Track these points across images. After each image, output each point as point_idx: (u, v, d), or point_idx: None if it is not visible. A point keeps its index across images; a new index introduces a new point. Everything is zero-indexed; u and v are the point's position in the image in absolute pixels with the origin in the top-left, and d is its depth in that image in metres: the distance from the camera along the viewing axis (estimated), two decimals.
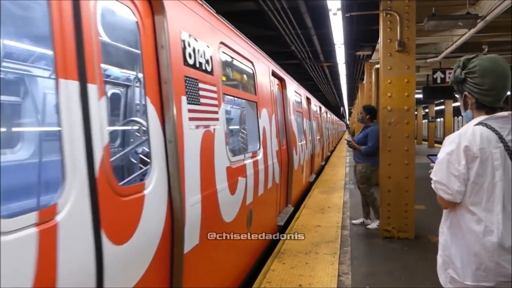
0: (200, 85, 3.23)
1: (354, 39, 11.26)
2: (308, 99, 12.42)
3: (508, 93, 2.23)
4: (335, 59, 13.80)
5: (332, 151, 25.94)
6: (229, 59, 4.40)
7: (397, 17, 6.24)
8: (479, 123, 2.16)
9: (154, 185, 2.51)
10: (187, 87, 2.98)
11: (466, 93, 2.27)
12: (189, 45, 3.07)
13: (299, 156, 8.94)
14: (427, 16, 7.23)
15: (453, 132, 2.42)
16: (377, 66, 11.13)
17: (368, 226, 7.07)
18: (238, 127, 7.59)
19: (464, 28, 8.21)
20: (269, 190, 5.64)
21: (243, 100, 5.88)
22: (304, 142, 10.18)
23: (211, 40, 3.63)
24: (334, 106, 49.95)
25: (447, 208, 2.28)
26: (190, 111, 2.99)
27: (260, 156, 5.15)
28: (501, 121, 2.14)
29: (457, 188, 2.12)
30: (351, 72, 18.47)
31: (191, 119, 3.00)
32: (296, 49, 13.04)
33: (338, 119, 44.22)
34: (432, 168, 2.33)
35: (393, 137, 6.30)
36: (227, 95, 4.27)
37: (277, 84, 7.47)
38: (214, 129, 3.48)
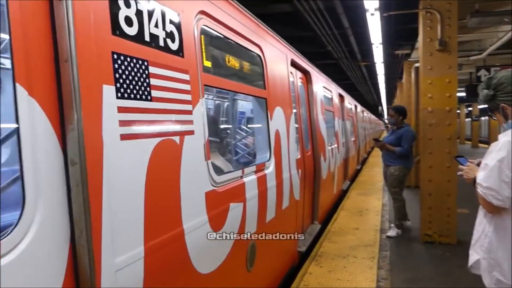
0: (153, 69, 2.08)
1: (393, 38, 11.17)
2: (341, 96, 11.15)
3: None
4: (373, 58, 13.85)
5: (369, 152, 24.51)
6: (219, 38, 3.19)
7: (438, 15, 6.06)
8: None
9: (32, 242, 1.38)
10: (118, 72, 1.83)
11: (503, 104, 2.41)
12: (127, 5, 1.93)
13: (329, 162, 7.71)
14: (470, 13, 7.15)
15: (499, 131, 2.55)
16: (416, 65, 11.11)
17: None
18: (234, 131, 6.33)
19: (510, 24, 8.02)
20: (285, 211, 4.44)
21: (244, 96, 4.73)
22: (336, 145, 8.93)
23: (182, 5, 2.47)
24: (372, 105, 49.77)
25: (493, 213, 2.36)
26: (123, 110, 1.84)
27: (270, 169, 3.96)
28: None
29: (507, 194, 2.22)
30: (390, 71, 18.35)
31: (125, 123, 1.85)
32: (333, 49, 13.05)
33: (376, 118, 42.88)
34: (460, 169, 2.60)
35: (434, 139, 6.17)
36: (214, 87, 3.12)
37: (300, 78, 6.26)
38: (182, 138, 2.32)
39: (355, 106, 16.06)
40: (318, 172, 6.57)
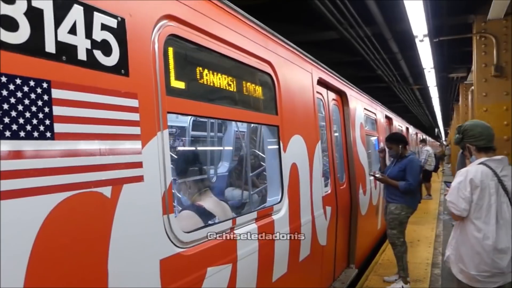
0: (59, 93, 1.44)
1: (446, 61, 10.75)
2: (388, 118, 10.19)
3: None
4: (425, 82, 13.37)
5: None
6: (201, 52, 2.49)
7: (493, 40, 5.85)
8: (480, 163, 3.27)
9: None
10: None
11: (468, 145, 3.40)
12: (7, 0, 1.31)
13: (371, 195, 6.84)
14: None
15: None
16: (473, 88, 9.89)
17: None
18: (229, 168, 5.56)
19: None
20: (304, 262, 3.66)
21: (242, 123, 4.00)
22: (379, 175, 7.98)
23: (129, 7, 1.84)
24: (428, 127, 48.12)
25: (457, 221, 3.35)
26: None
27: (282, 213, 3.21)
28: (496, 162, 3.25)
29: (463, 206, 3.18)
30: (445, 93, 17.92)
31: None
32: (383, 73, 12.63)
33: (433, 140, 40.90)
34: (447, 192, 3.52)
35: None
36: (188, 114, 2.45)
37: (334, 99, 5.50)
38: (117, 189, 1.65)
39: (407, 129, 14.95)
40: (355, 207, 5.78)
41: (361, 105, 6.80)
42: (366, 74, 13.06)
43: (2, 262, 1.25)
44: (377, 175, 5.76)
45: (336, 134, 5.64)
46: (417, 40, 7.23)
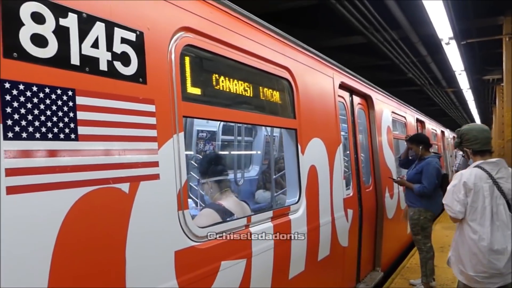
0: (83, 100, 1.64)
1: (478, 64, 10.61)
2: (420, 121, 10.08)
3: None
4: (458, 85, 13.13)
5: None
6: (217, 60, 2.67)
7: None
8: (476, 166, 3.38)
9: None
10: (11, 105, 1.41)
11: (465, 148, 3.55)
12: (38, 20, 1.51)
13: (399, 199, 6.81)
14: None
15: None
16: None
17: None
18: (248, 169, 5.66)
19: None
20: (323, 262, 3.76)
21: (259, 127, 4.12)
22: None
23: (148, 21, 2.04)
24: None
25: (456, 223, 3.49)
26: (15, 154, 1.41)
27: (299, 213, 3.34)
28: (492, 164, 3.33)
29: (458, 209, 3.31)
30: (481, 96, 17.69)
31: (16, 172, 1.41)
32: (414, 76, 12.49)
33: None
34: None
35: None
36: (203, 118, 2.63)
37: (359, 103, 5.57)
38: (134, 186, 1.84)
39: (442, 132, 14.66)
40: (381, 210, 5.79)
41: (388, 108, 6.80)
42: (396, 77, 12.97)
43: (30, 249, 1.46)
44: (394, 179, 5.74)
45: (360, 137, 5.68)
46: (443, 43, 7.14)
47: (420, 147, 5.51)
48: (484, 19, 7.06)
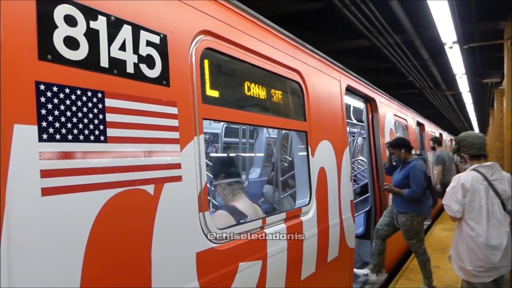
0: (111, 102, 1.66)
1: (479, 68, 10.61)
2: (420, 124, 10.13)
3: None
4: (458, 88, 13.03)
5: None
6: (234, 63, 2.70)
7: None
8: (472, 169, 3.72)
9: None
10: (46, 107, 1.42)
11: (462, 154, 3.86)
12: (70, 23, 1.54)
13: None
14: None
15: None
16: None
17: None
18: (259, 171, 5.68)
19: None
20: (332, 264, 3.78)
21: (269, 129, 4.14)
22: None
23: (170, 24, 2.05)
24: None
25: (455, 221, 3.80)
26: (50, 156, 1.43)
27: (310, 215, 3.36)
28: (486, 168, 3.67)
29: (456, 208, 3.63)
30: (479, 99, 17.46)
31: (51, 173, 1.42)
32: (414, 79, 12.46)
33: None
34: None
35: None
36: (221, 121, 2.64)
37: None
38: (159, 187, 1.86)
39: (440, 135, 14.73)
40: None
41: (390, 111, 6.85)
42: (397, 80, 12.99)
43: (64, 248, 1.47)
44: (383, 186, 5.67)
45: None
46: (446, 47, 7.18)
47: (402, 150, 5.40)
48: (486, 23, 7.11)
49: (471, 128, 43.20)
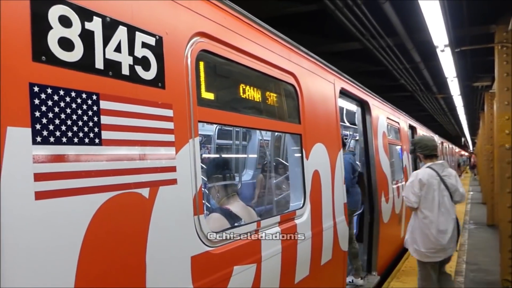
0: (106, 105, 1.64)
1: (470, 70, 10.73)
2: (412, 127, 10.18)
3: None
4: (449, 91, 13.26)
5: None
6: (229, 65, 2.68)
7: None
8: (427, 167, 4.47)
9: None
10: (40, 109, 1.40)
11: (418, 154, 4.70)
12: (65, 24, 1.51)
13: (394, 203, 6.87)
14: None
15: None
16: None
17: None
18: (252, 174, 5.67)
19: None
20: (325, 267, 3.77)
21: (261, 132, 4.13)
22: (404, 183, 8.01)
23: (166, 26, 2.03)
24: (454, 136, 47.69)
25: (412, 211, 4.48)
26: (43, 159, 1.40)
27: (304, 218, 3.35)
28: (438, 165, 4.46)
29: (414, 200, 4.34)
30: (470, 102, 17.66)
31: (45, 176, 1.40)
32: (406, 82, 12.65)
33: (460, 150, 40.27)
34: None
35: None
36: (216, 123, 2.62)
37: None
38: (154, 190, 1.84)
39: None
40: (377, 214, 5.82)
41: (383, 114, 6.87)
42: (390, 83, 13.07)
43: (58, 252, 1.44)
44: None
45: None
46: (438, 51, 7.23)
47: None
48: (477, 27, 7.17)
49: (462, 132, 43.67)
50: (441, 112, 23.24)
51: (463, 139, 54.22)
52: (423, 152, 4.59)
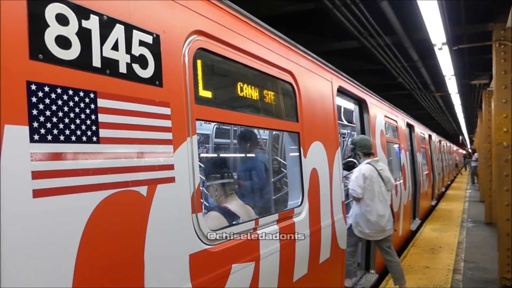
0: (104, 103, 1.64)
1: (468, 69, 10.72)
2: (410, 126, 10.18)
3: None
4: (447, 89, 13.21)
5: (449, 185, 22.87)
6: (227, 64, 2.68)
7: None
8: (367, 163, 5.20)
9: None
10: (37, 107, 1.40)
11: (358, 152, 5.33)
12: (62, 22, 1.51)
13: (392, 201, 6.84)
14: None
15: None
16: None
17: None
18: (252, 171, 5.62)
19: None
20: (324, 265, 3.77)
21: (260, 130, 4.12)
22: (402, 181, 8.02)
23: (163, 24, 2.03)
24: (452, 134, 47.80)
25: (357, 201, 5.11)
26: (41, 157, 1.40)
27: (302, 216, 3.35)
28: (375, 161, 5.26)
29: (359, 191, 5.02)
30: (468, 100, 17.67)
31: (42, 174, 1.40)
32: (404, 81, 12.62)
33: (457, 148, 40.29)
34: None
35: (511, 176, 5.90)
36: (214, 121, 2.63)
37: None
38: (152, 188, 1.84)
39: (429, 136, 14.82)
40: None
41: (381, 112, 6.87)
42: (387, 82, 13.08)
43: (57, 250, 1.45)
44: None
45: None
46: (436, 49, 7.24)
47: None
48: (475, 25, 7.18)
49: (460, 130, 43.80)
50: (439, 110, 23.24)
51: (461, 137, 54.32)
52: (362, 151, 5.28)
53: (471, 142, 52.42)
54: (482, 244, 8.31)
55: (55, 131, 1.46)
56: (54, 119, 1.46)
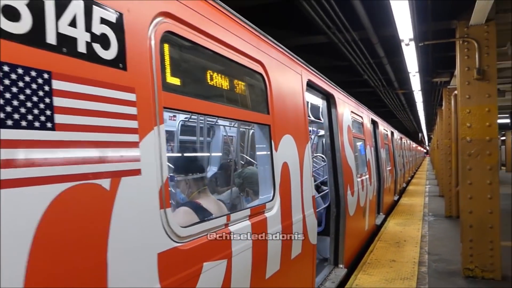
0: (60, 85, 1.45)
1: (430, 66, 10.81)
2: (374, 122, 10.30)
3: None
4: (410, 86, 13.45)
5: (409, 181, 23.51)
6: (196, 50, 2.49)
7: (475, 44, 5.94)
8: None
9: None
10: None
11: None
12: None
13: (359, 196, 6.90)
14: (511, 40, 7.01)
15: None
16: (456, 92, 10.44)
17: None
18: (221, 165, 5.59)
19: None
20: (295, 261, 3.67)
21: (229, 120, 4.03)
22: (367, 176, 8.09)
23: (127, 3, 1.86)
24: (412, 132, 49.56)
25: None
26: None
27: (274, 211, 3.23)
28: None
29: None
30: (429, 98, 17.92)
31: None
32: (369, 78, 12.73)
33: (416, 145, 41.54)
34: None
35: (474, 169, 5.97)
36: (183, 111, 2.48)
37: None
38: (115, 182, 1.66)
39: (391, 133, 15.10)
40: (343, 208, 5.79)
41: (348, 108, 6.86)
42: (353, 79, 13.17)
43: (3, 253, 1.25)
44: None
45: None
46: (403, 44, 7.27)
47: None
48: (440, 22, 7.27)
49: (420, 128, 45.02)
50: (401, 108, 23.71)
51: (420, 135, 56.01)
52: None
53: (430, 140, 54.23)
54: (444, 236, 8.53)
55: (2, 115, 1.26)
56: (1, 101, 1.26)
